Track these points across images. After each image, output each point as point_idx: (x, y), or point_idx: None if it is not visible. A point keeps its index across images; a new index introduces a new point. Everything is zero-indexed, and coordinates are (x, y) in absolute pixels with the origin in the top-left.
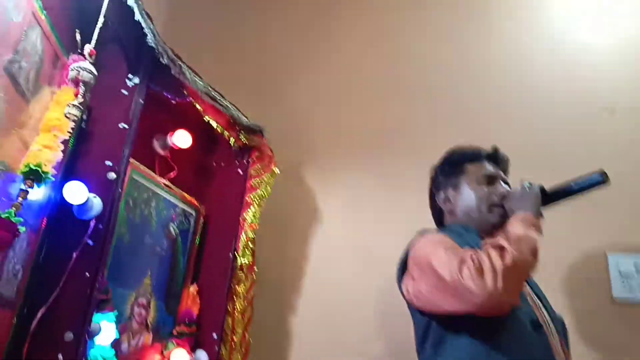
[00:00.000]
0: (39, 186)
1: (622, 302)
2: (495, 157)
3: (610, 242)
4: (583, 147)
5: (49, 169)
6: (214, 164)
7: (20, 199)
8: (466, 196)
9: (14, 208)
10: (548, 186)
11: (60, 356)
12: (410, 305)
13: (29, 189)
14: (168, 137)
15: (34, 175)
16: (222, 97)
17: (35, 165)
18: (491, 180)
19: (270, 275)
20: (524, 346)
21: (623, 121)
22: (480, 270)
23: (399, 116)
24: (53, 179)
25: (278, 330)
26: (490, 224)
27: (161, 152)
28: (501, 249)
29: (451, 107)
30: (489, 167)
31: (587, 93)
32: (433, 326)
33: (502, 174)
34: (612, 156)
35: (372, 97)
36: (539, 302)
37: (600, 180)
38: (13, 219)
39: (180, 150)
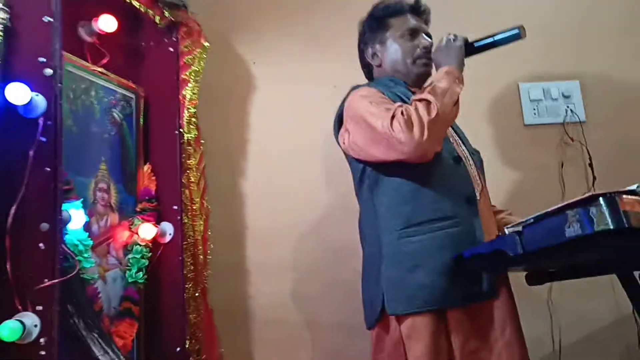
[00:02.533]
0: None
1: (532, 126)
2: (417, 9)
3: (522, 72)
4: None
5: None
6: (144, 44)
7: None
8: (392, 50)
9: None
10: (471, 38)
11: (41, 245)
12: (347, 155)
13: None
14: (93, 23)
15: None
16: None
17: None
18: (414, 33)
19: (217, 145)
20: (447, 179)
21: None
22: (409, 123)
23: None
24: None
25: (232, 194)
26: (415, 75)
27: (88, 39)
28: (427, 103)
29: None
30: (412, 21)
31: None
32: (368, 171)
33: (424, 26)
34: None
35: None
36: (459, 139)
37: (518, 34)
38: None
39: (108, 35)
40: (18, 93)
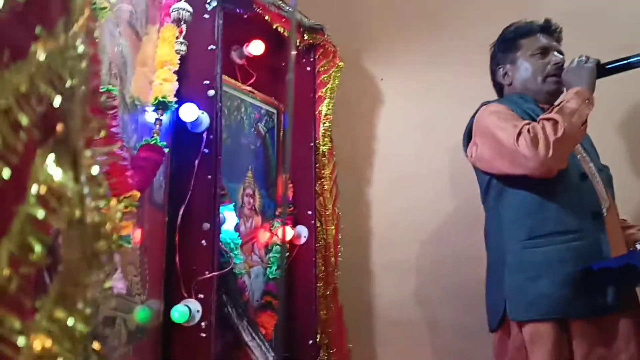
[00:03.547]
0: (166, 113)
1: None
2: (548, 28)
3: None
4: None
5: (172, 98)
6: (284, 64)
7: (157, 126)
8: (523, 70)
9: (156, 134)
10: (604, 60)
11: (203, 242)
12: (474, 166)
13: (161, 118)
14: (244, 48)
15: (163, 106)
16: (286, 4)
17: (162, 98)
18: (545, 51)
19: (345, 155)
20: (572, 194)
21: None
22: (535, 141)
23: None
24: (176, 105)
25: (359, 201)
26: (546, 92)
27: (239, 61)
28: (555, 122)
29: None
30: (542, 40)
31: None
32: (493, 182)
33: (555, 44)
34: None
35: None
36: (587, 156)
37: None
38: (159, 144)
39: (255, 57)
40: (189, 112)
